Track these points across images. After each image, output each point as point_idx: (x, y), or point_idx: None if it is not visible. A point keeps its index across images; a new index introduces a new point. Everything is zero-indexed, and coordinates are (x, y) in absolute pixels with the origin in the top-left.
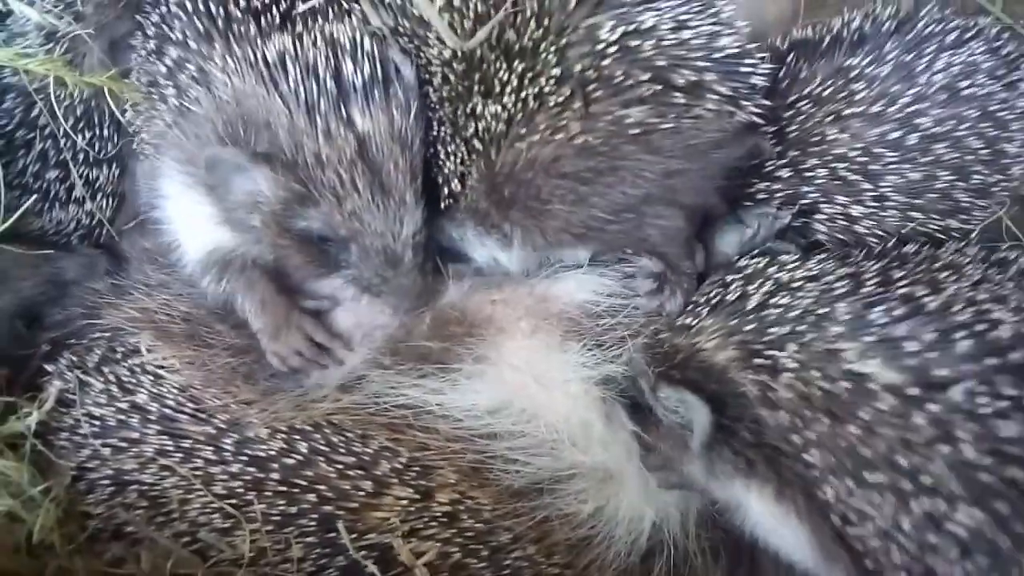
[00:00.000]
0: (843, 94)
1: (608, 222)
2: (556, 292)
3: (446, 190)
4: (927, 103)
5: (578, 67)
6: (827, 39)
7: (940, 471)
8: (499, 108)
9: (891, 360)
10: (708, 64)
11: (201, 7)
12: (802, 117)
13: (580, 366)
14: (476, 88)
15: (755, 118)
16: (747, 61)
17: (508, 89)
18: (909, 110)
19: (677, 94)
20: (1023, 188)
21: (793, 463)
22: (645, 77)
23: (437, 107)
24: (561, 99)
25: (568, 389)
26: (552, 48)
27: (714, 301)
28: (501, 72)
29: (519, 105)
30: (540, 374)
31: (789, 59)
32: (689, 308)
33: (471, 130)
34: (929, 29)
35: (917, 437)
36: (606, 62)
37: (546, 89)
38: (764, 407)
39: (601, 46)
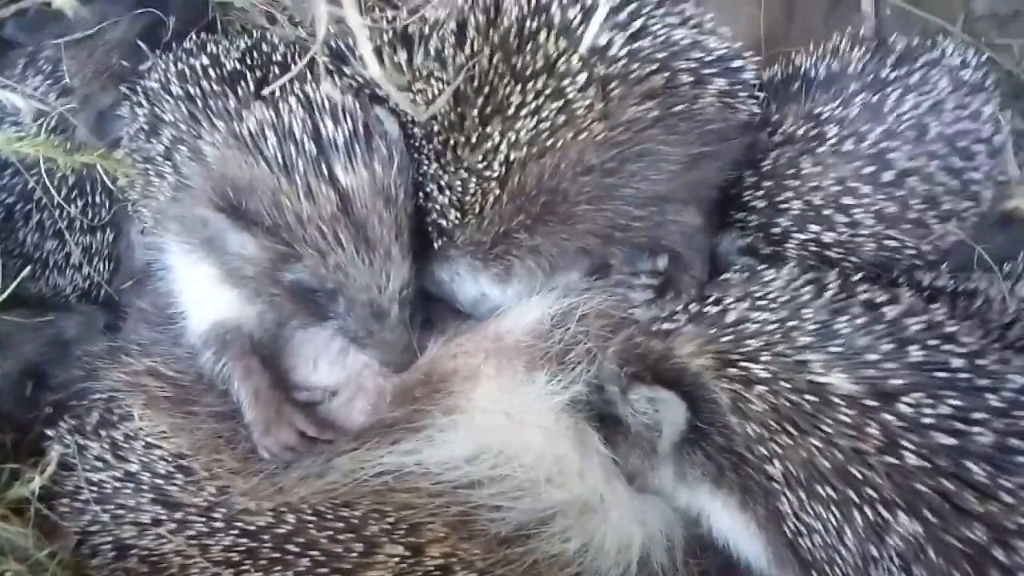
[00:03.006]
0: (814, 133)
1: (632, 217)
2: (506, 326)
3: (442, 224)
4: (898, 141)
5: (597, 71)
6: (794, 81)
7: (883, 480)
8: (516, 130)
9: (852, 371)
10: (702, 57)
11: (180, 91)
12: (776, 153)
13: (548, 394)
14: (481, 114)
15: (753, 110)
16: (736, 62)
17: (524, 112)
18: (881, 146)
19: (684, 78)
20: (995, 210)
21: (756, 472)
22: (654, 67)
23: (424, 143)
24: (587, 102)
25: (540, 422)
26: (574, 58)
27: (693, 310)
28: (514, 96)
29: (539, 122)
30: (511, 411)
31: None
32: (666, 315)
33: (477, 158)
34: (895, 73)
35: (868, 447)
36: (620, 61)
37: (570, 96)
38: (734, 415)
39: (611, 51)
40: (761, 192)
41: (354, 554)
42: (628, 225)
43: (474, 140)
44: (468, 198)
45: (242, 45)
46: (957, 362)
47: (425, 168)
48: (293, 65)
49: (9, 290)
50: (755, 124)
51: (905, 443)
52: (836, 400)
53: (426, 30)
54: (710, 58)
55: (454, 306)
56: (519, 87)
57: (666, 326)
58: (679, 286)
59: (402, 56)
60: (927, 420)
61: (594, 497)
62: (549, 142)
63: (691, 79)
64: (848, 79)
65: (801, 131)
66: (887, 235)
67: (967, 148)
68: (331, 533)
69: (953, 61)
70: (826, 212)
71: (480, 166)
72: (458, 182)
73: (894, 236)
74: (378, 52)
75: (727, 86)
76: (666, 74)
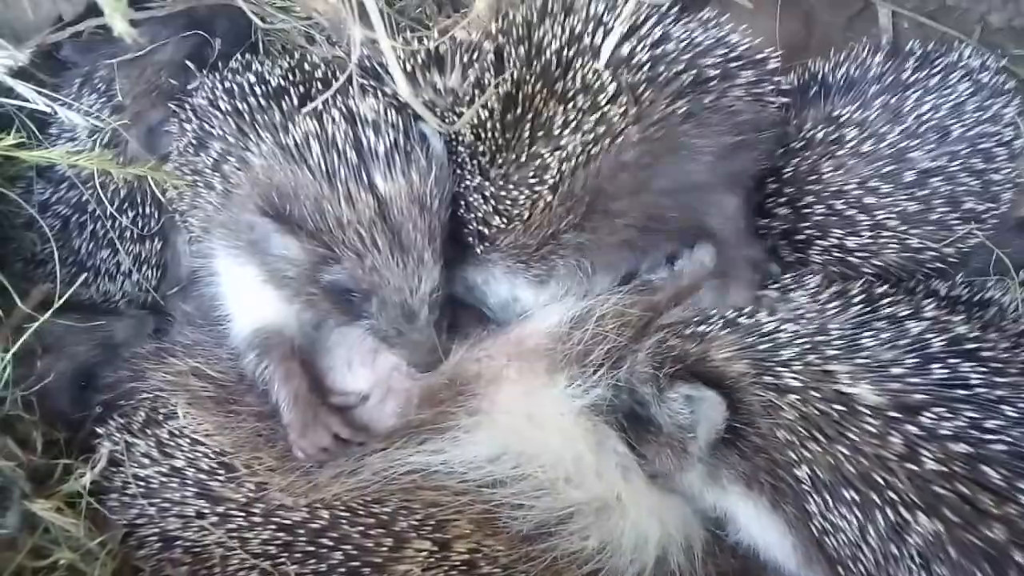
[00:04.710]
0: (834, 137)
1: (670, 206)
2: (528, 331)
3: (483, 231)
4: (918, 140)
5: (625, 79)
6: (812, 86)
7: (904, 484)
8: (563, 146)
9: (877, 383)
10: (726, 54)
11: (228, 107)
12: (796, 159)
13: (569, 397)
14: (531, 136)
15: (780, 101)
16: (760, 55)
17: (567, 130)
18: (900, 147)
19: (711, 75)
20: (1012, 215)
21: (786, 475)
22: (680, 68)
23: (468, 159)
24: (621, 110)
25: (558, 424)
26: (604, 73)
27: (729, 317)
28: (557, 116)
29: (583, 135)
30: (532, 414)
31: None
32: (700, 319)
33: (527, 173)
34: (914, 76)
35: (890, 454)
36: (646, 67)
37: (605, 108)
38: (766, 420)
39: (635, 59)
40: (784, 199)
41: (384, 548)
42: (663, 215)
43: (523, 159)
44: (516, 208)
45: (285, 64)
46: (976, 379)
47: (468, 182)
48: (334, 81)
49: (66, 296)
50: (783, 115)
51: (924, 451)
52: (862, 410)
53: (463, 56)
54: (734, 54)
55: (480, 312)
56: (561, 108)
57: (701, 329)
58: (738, 272)
59: (436, 78)
60: (945, 431)
61: (611, 496)
62: (593, 150)
63: (717, 74)
64: (867, 82)
65: (820, 135)
66: (910, 236)
67: (988, 150)
68: (363, 528)
69: (972, 64)
70: (848, 214)
71: (532, 180)
72: (504, 194)
73: (916, 237)
74: (412, 73)
75: (754, 79)
76: (692, 72)
